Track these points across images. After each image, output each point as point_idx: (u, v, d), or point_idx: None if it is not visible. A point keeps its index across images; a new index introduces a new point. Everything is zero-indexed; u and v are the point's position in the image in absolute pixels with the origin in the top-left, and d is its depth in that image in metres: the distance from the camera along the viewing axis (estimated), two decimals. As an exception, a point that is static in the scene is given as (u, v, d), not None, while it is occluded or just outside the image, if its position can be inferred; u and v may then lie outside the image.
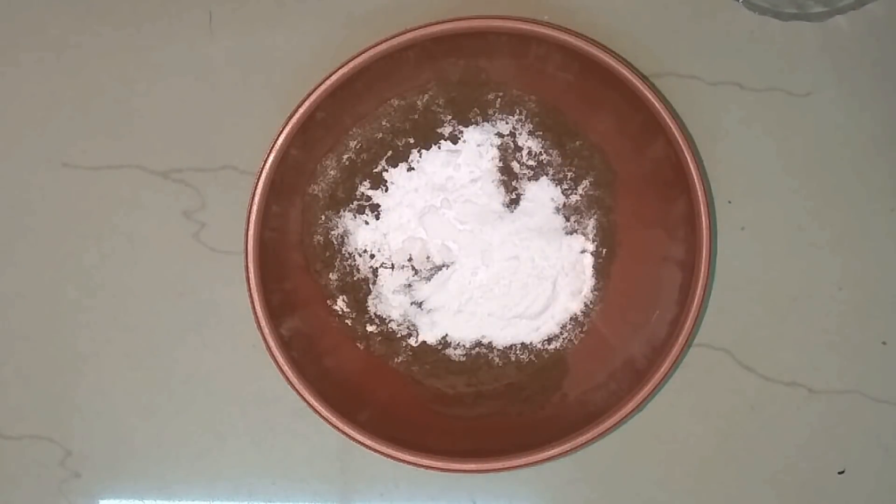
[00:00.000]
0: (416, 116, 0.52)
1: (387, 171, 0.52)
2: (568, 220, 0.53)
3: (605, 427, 0.48)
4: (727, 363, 0.53)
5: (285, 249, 0.52)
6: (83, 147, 0.54)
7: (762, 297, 0.53)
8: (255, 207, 0.49)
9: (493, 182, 0.52)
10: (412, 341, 0.53)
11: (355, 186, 0.53)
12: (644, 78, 0.48)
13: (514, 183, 0.52)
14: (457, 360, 0.53)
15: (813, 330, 0.53)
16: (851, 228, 0.53)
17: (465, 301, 0.52)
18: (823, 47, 0.52)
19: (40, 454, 0.54)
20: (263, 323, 0.49)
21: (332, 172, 0.53)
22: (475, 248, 0.52)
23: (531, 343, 0.53)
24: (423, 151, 0.52)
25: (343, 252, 0.53)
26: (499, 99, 0.52)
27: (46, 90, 0.54)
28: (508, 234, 0.52)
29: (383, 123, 0.53)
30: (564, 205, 0.53)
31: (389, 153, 0.53)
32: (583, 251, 0.53)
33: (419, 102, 0.52)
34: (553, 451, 0.48)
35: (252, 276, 0.49)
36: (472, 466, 0.48)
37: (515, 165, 0.52)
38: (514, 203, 0.52)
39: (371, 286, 0.53)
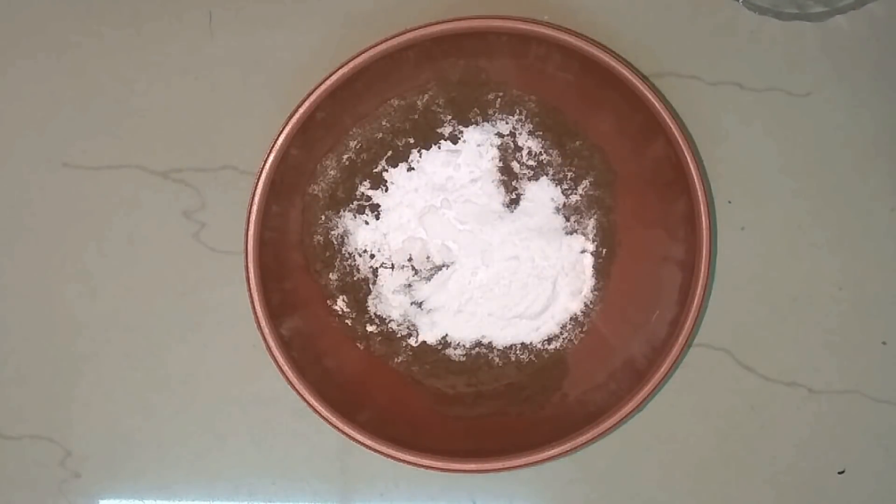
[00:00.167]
0: (416, 116, 0.52)
1: (387, 171, 0.52)
2: (568, 220, 0.53)
3: (605, 427, 0.48)
4: (727, 363, 0.53)
5: (285, 249, 0.52)
6: (83, 147, 0.54)
7: (762, 297, 0.53)
8: (255, 207, 0.49)
9: (493, 182, 0.52)
10: (412, 341, 0.53)
11: (355, 186, 0.53)
12: (644, 78, 0.48)
13: (514, 183, 0.52)
14: (457, 360, 0.53)
15: (813, 330, 0.53)
16: (851, 228, 0.53)
17: (465, 301, 0.52)
18: (823, 47, 0.52)
19: (40, 454, 0.54)
20: (263, 323, 0.49)
21: (332, 172, 0.53)
22: (475, 248, 0.52)
23: (531, 343, 0.53)
24: (423, 151, 0.52)
25: (343, 252, 0.53)
26: (499, 99, 0.52)
27: (46, 90, 0.54)
28: (508, 234, 0.52)
29: (383, 123, 0.53)
30: (564, 205, 0.53)
31: (389, 153, 0.53)
32: (583, 251, 0.53)
33: (419, 102, 0.52)
34: (553, 451, 0.48)
35: (252, 276, 0.49)
36: (472, 466, 0.48)
37: (515, 165, 0.52)
38: (514, 203, 0.52)
39: (371, 286, 0.53)
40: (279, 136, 0.48)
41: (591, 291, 0.53)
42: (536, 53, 0.50)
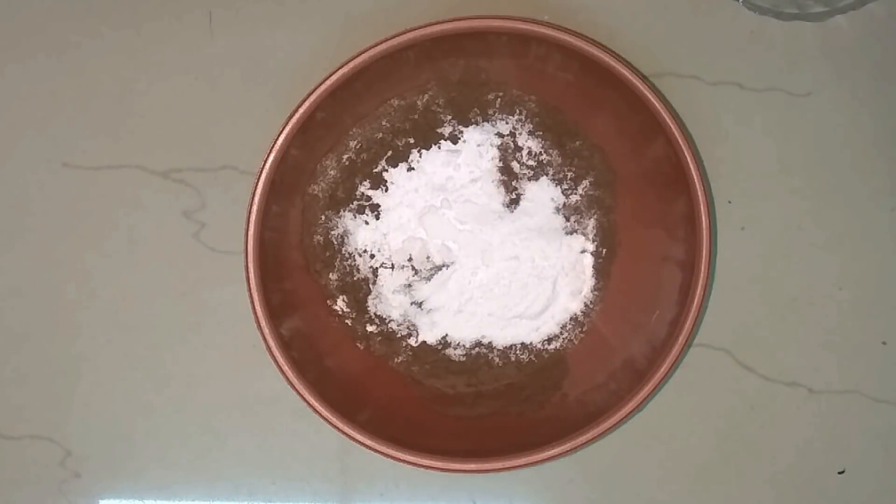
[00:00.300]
0: (416, 116, 0.52)
1: (387, 171, 0.52)
2: (568, 220, 0.53)
3: (605, 427, 0.48)
4: (727, 363, 0.53)
5: (285, 249, 0.52)
6: (83, 147, 0.54)
7: (762, 297, 0.53)
8: (255, 207, 0.49)
9: (493, 182, 0.52)
10: (412, 341, 0.53)
11: (355, 186, 0.53)
12: (644, 78, 0.48)
13: (514, 183, 0.52)
14: (457, 360, 0.53)
15: (813, 330, 0.53)
16: (851, 228, 0.53)
17: (465, 301, 0.52)
18: (823, 47, 0.52)
19: (40, 454, 0.54)
20: (263, 323, 0.49)
21: (332, 172, 0.53)
22: (475, 248, 0.52)
23: (531, 343, 0.53)
24: (423, 151, 0.52)
25: (343, 252, 0.53)
26: (499, 99, 0.52)
27: (46, 90, 0.54)
28: (508, 234, 0.52)
29: (383, 123, 0.53)
30: (564, 205, 0.53)
31: (389, 153, 0.53)
32: (583, 251, 0.53)
33: (419, 102, 0.52)
34: (553, 451, 0.48)
35: (252, 276, 0.49)
36: (472, 466, 0.48)
37: (515, 165, 0.52)
38: (514, 203, 0.52)
39: (371, 286, 0.53)
40: (279, 136, 0.48)
41: (591, 291, 0.53)
42: (536, 53, 0.50)
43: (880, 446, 0.53)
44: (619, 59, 0.48)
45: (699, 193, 0.47)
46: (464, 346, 0.53)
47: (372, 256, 0.53)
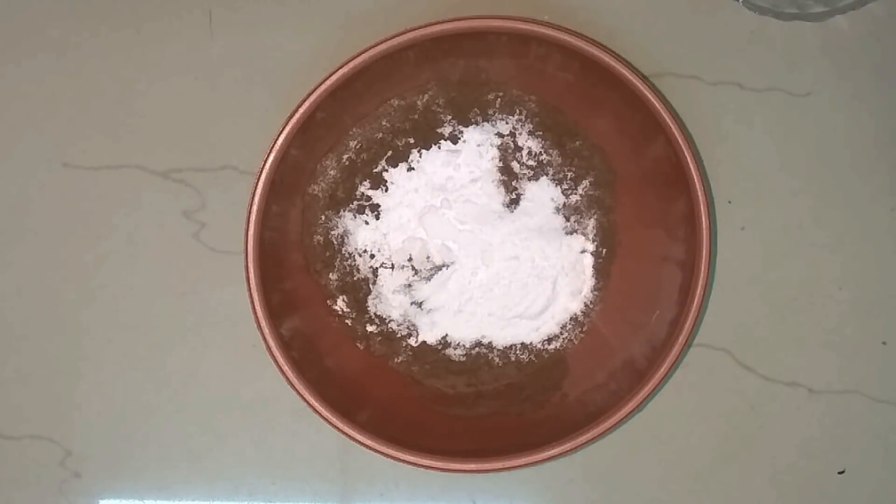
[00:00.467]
0: (416, 116, 0.52)
1: (387, 171, 0.52)
2: (568, 220, 0.53)
3: (605, 427, 0.48)
4: (727, 363, 0.53)
5: (285, 249, 0.52)
6: (83, 147, 0.54)
7: (762, 297, 0.53)
8: (255, 207, 0.49)
9: (493, 182, 0.52)
10: (412, 341, 0.53)
11: (355, 186, 0.53)
12: (644, 78, 0.48)
13: (514, 183, 0.52)
14: (457, 360, 0.53)
15: (813, 330, 0.53)
16: (851, 228, 0.53)
17: (465, 301, 0.52)
18: (823, 47, 0.52)
19: (40, 454, 0.54)
20: (263, 323, 0.49)
21: (332, 172, 0.53)
22: (475, 248, 0.52)
23: (531, 343, 0.53)
24: (423, 151, 0.52)
25: (343, 252, 0.53)
26: (499, 99, 0.52)
27: (46, 90, 0.54)
28: (508, 234, 0.52)
29: (383, 123, 0.53)
30: (564, 205, 0.53)
31: (389, 153, 0.53)
32: (583, 251, 0.53)
33: (419, 102, 0.52)
34: (553, 451, 0.48)
35: (252, 276, 0.49)
36: (472, 466, 0.48)
37: (515, 165, 0.52)
38: (514, 203, 0.52)
39: (371, 286, 0.53)
40: (279, 136, 0.48)
41: (591, 291, 0.53)
42: (536, 53, 0.50)
43: (880, 446, 0.53)
44: (619, 59, 0.48)
45: (699, 193, 0.47)
46: (464, 346, 0.53)
47: (372, 256, 0.53)
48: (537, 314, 0.53)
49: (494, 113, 0.52)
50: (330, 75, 0.48)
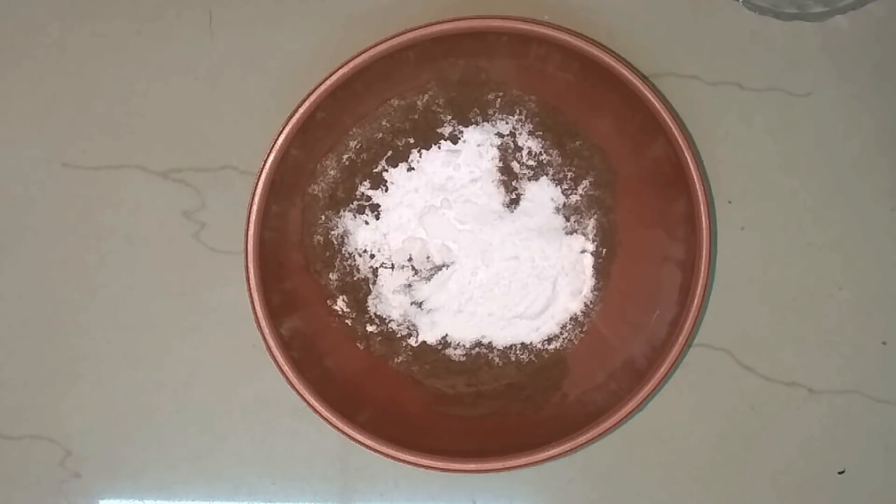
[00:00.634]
0: (416, 116, 0.52)
1: (387, 171, 0.52)
2: (568, 220, 0.53)
3: (605, 427, 0.48)
4: (727, 363, 0.53)
5: (285, 249, 0.52)
6: (83, 147, 0.54)
7: (762, 297, 0.53)
8: (255, 207, 0.49)
9: (493, 182, 0.52)
10: (412, 341, 0.53)
11: (355, 186, 0.53)
12: (644, 78, 0.48)
13: (514, 183, 0.52)
14: (457, 360, 0.53)
15: (813, 330, 0.53)
16: (851, 228, 0.53)
17: (465, 301, 0.52)
18: (823, 47, 0.52)
19: (40, 454, 0.54)
20: (263, 323, 0.49)
21: (332, 172, 0.53)
22: (475, 248, 0.52)
23: (531, 343, 0.53)
24: (423, 151, 0.52)
25: (343, 252, 0.53)
26: (499, 99, 0.52)
27: (46, 90, 0.54)
28: (508, 234, 0.52)
29: (383, 123, 0.53)
30: (564, 205, 0.53)
31: (389, 153, 0.53)
32: (583, 251, 0.53)
33: (419, 102, 0.52)
34: (553, 451, 0.48)
35: (252, 276, 0.49)
36: (472, 466, 0.48)
37: (515, 165, 0.52)
38: (514, 203, 0.52)
39: (371, 286, 0.53)
40: (279, 136, 0.48)
41: (591, 291, 0.53)
42: (536, 53, 0.50)
43: (880, 446, 0.53)
44: (619, 59, 0.48)
45: (699, 193, 0.47)
46: (464, 346, 0.53)
47: (372, 256, 0.53)
48: (537, 314, 0.53)
49: (494, 113, 0.52)
50: (330, 75, 0.48)
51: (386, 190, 0.52)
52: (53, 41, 0.54)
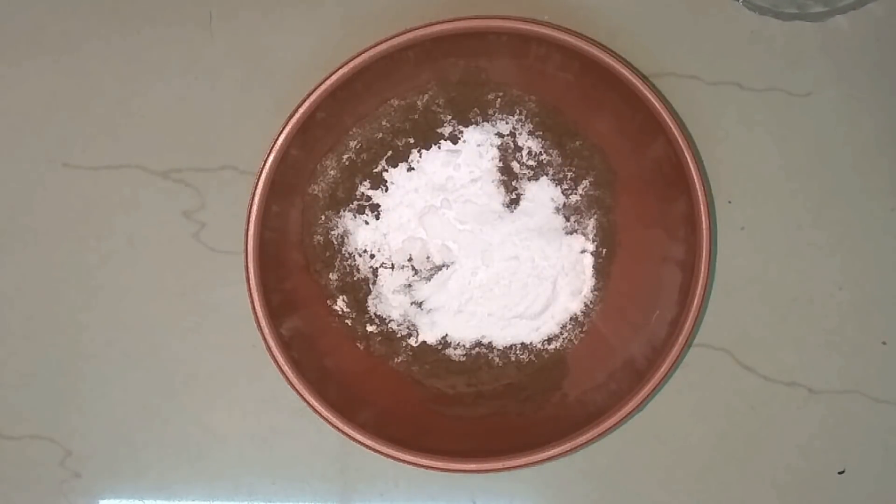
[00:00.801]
0: (416, 116, 0.52)
1: (387, 171, 0.52)
2: (568, 220, 0.53)
3: (605, 427, 0.48)
4: (727, 363, 0.53)
5: (285, 249, 0.52)
6: (83, 147, 0.54)
7: (762, 297, 0.53)
8: (255, 207, 0.49)
9: (493, 182, 0.52)
10: (412, 341, 0.53)
11: (355, 186, 0.53)
12: (644, 78, 0.48)
13: (514, 183, 0.52)
14: (457, 360, 0.53)
15: (813, 330, 0.53)
16: (851, 228, 0.53)
17: (465, 301, 0.52)
18: (823, 47, 0.52)
19: (40, 454, 0.54)
20: (263, 323, 0.49)
21: (332, 172, 0.53)
22: (475, 248, 0.52)
23: (531, 343, 0.53)
24: (423, 151, 0.52)
25: (343, 252, 0.53)
26: (499, 99, 0.52)
27: (46, 90, 0.54)
28: (508, 234, 0.52)
29: (383, 123, 0.53)
30: (564, 205, 0.53)
31: (389, 153, 0.53)
32: (583, 251, 0.53)
33: (419, 102, 0.52)
34: (553, 451, 0.48)
35: (252, 276, 0.49)
36: (472, 466, 0.48)
37: (515, 165, 0.52)
38: (514, 203, 0.52)
39: (371, 286, 0.53)
40: (279, 136, 0.48)
41: (591, 291, 0.53)
42: (536, 53, 0.50)
43: (880, 446, 0.53)
44: (619, 59, 0.48)
45: (699, 193, 0.47)
46: (464, 346, 0.53)
47: (372, 256, 0.53)
48: (537, 314, 0.53)
49: (494, 113, 0.52)
50: (330, 75, 0.48)
51: (386, 190, 0.52)
52: (53, 41, 0.54)
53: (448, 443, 0.50)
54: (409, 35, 0.48)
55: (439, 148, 0.52)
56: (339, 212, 0.53)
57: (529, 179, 0.52)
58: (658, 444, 0.53)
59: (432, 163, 0.52)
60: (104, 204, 0.54)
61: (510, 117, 0.52)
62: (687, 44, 0.53)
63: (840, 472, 0.53)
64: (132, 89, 0.54)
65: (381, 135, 0.53)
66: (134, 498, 0.54)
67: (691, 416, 0.53)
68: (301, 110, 0.48)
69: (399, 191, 0.52)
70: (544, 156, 0.52)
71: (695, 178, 0.47)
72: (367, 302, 0.53)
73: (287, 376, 0.49)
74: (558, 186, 0.52)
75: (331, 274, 0.53)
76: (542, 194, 0.52)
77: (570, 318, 0.53)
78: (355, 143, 0.53)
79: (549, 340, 0.53)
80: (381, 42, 0.48)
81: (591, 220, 0.53)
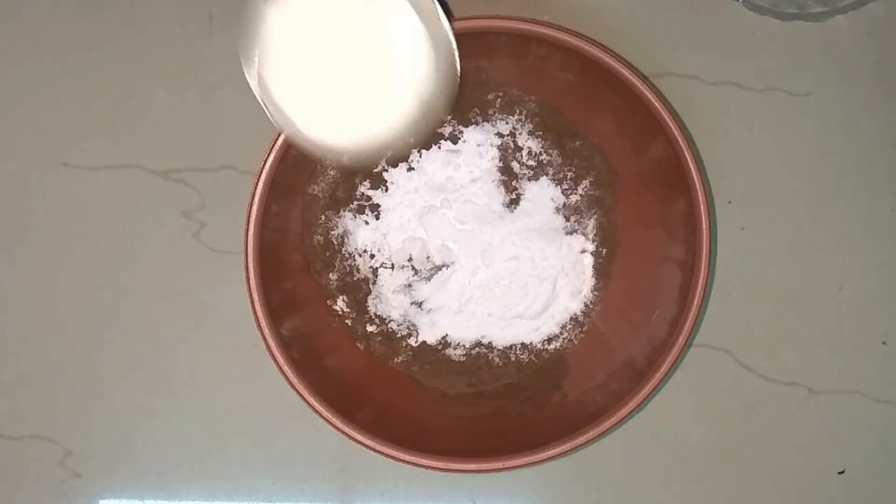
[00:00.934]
0: (416, 116, 0.52)
1: (387, 170, 0.52)
2: (568, 220, 0.53)
3: (605, 427, 0.48)
4: (727, 363, 0.53)
5: (285, 249, 0.52)
6: (83, 147, 0.54)
7: (762, 297, 0.53)
8: (255, 207, 0.49)
9: (493, 182, 0.52)
10: (412, 341, 0.53)
11: (355, 186, 0.53)
12: (644, 78, 0.48)
13: (514, 183, 0.52)
14: (457, 360, 0.53)
15: (813, 330, 0.53)
16: (851, 228, 0.53)
17: (465, 301, 0.52)
18: (823, 47, 0.52)
19: (40, 454, 0.54)
20: (263, 323, 0.49)
21: (332, 172, 0.53)
22: (475, 248, 0.52)
23: (531, 343, 0.53)
24: (423, 151, 0.52)
25: (343, 252, 0.53)
26: (499, 99, 0.52)
27: (46, 90, 0.54)
28: (508, 234, 0.52)
29: (383, 123, 0.53)
30: (564, 205, 0.53)
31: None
32: (583, 251, 0.53)
33: (419, 102, 0.52)
34: (553, 451, 0.48)
35: (252, 276, 0.49)
36: (472, 466, 0.48)
37: (515, 165, 0.52)
38: (514, 203, 0.52)
39: (371, 286, 0.53)
40: (279, 136, 0.48)
41: (591, 291, 0.53)
42: (536, 54, 0.50)
43: (880, 446, 0.53)
44: (619, 59, 0.48)
45: (699, 193, 0.47)
46: (464, 346, 0.53)
47: (372, 256, 0.53)
48: (537, 314, 0.53)
49: (494, 113, 0.52)
50: (330, 75, 0.48)
51: (386, 190, 0.52)
52: (53, 41, 0.54)
53: (448, 443, 0.50)
54: (409, 35, 0.48)
55: (439, 148, 0.52)
56: (339, 212, 0.53)
57: (529, 179, 0.52)
58: (658, 444, 0.53)
59: (432, 163, 0.52)
60: (104, 204, 0.54)
61: (510, 117, 0.52)
62: (687, 44, 0.53)
63: (840, 472, 0.53)
64: (132, 89, 0.54)
65: (381, 135, 0.53)
66: (134, 498, 0.54)
67: (691, 416, 0.53)
68: (301, 110, 0.48)
69: (399, 191, 0.52)
70: (544, 156, 0.52)
71: (695, 178, 0.47)
72: (367, 302, 0.53)
73: (287, 376, 0.49)
74: (558, 186, 0.52)
75: (331, 274, 0.53)
76: (542, 194, 0.52)
77: (570, 318, 0.53)
78: (355, 143, 0.53)
79: (549, 340, 0.53)
80: (381, 42, 0.48)
81: (591, 220, 0.53)
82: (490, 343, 0.53)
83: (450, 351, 0.53)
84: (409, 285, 0.53)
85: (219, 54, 0.53)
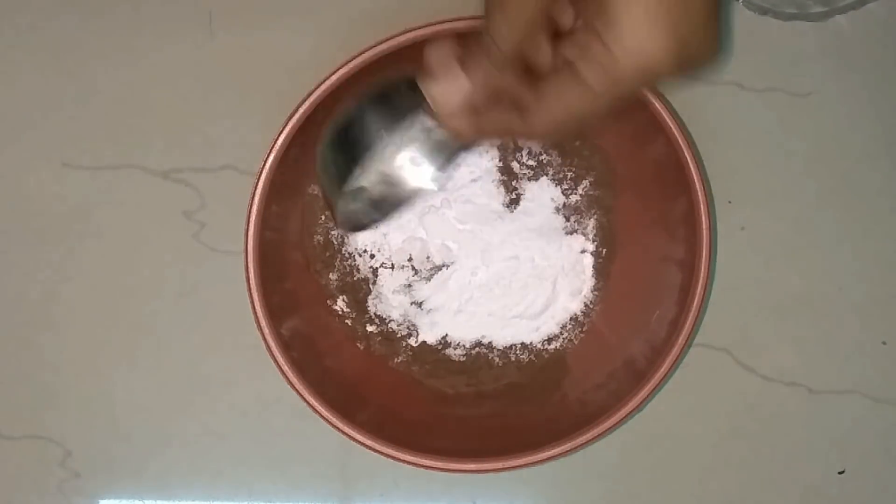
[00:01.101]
0: (416, 116, 0.52)
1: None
2: (568, 220, 0.53)
3: (605, 427, 0.48)
4: (727, 363, 0.53)
5: (285, 249, 0.52)
6: (83, 147, 0.54)
7: (762, 297, 0.53)
8: (255, 207, 0.48)
9: (493, 182, 0.52)
10: (412, 341, 0.53)
11: (355, 186, 0.53)
12: (644, 78, 0.48)
13: (514, 183, 0.52)
14: (457, 360, 0.53)
15: (813, 330, 0.53)
16: (851, 229, 0.53)
17: (465, 301, 0.52)
18: (823, 47, 0.52)
19: (40, 454, 0.54)
20: (263, 323, 0.49)
21: (332, 172, 0.53)
22: (475, 248, 0.52)
23: (531, 343, 0.53)
24: (423, 151, 0.52)
25: (343, 252, 0.53)
26: (499, 99, 0.52)
27: (46, 90, 0.54)
28: (508, 234, 0.52)
29: (383, 123, 0.52)
30: (564, 205, 0.53)
31: (389, 153, 0.52)
32: (583, 251, 0.53)
33: (419, 102, 0.52)
34: (553, 451, 0.48)
35: (252, 276, 0.48)
36: (472, 466, 0.48)
37: (515, 165, 0.52)
38: (514, 203, 0.52)
39: (371, 286, 0.53)
40: (279, 136, 0.48)
41: (591, 291, 0.53)
42: (536, 53, 0.50)
43: (880, 446, 0.53)
44: (619, 59, 0.48)
45: (699, 193, 0.47)
46: (464, 346, 0.53)
47: (372, 256, 0.53)
48: (537, 314, 0.53)
49: (494, 113, 0.52)
50: (330, 75, 0.48)
51: (386, 190, 0.52)
52: (53, 41, 0.54)
53: (448, 443, 0.50)
54: (410, 35, 0.48)
55: (439, 148, 0.52)
56: (339, 212, 0.53)
57: (529, 179, 0.52)
58: (658, 444, 0.53)
59: (432, 163, 0.52)
60: (104, 204, 0.54)
61: (510, 117, 0.52)
62: (687, 44, 0.53)
63: (840, 472, 0.53)
64: (132, 89, 0.54)
65: (381, 135, 0.52)
66: (134, 498, 0.54)
67: (691, 416, 0.53)
68: (301, 110, 0.48)
69: (399, 191, 0.52)
70: (544, 156, 0.52)
71: (695, 178, 0.47)
72: (367, 302, 0.53)
73: (287, 376, 0.49)
74: (558, 186, 0.52)
75: (331, 274, 0.53)
76: (542, 194, 0.52)
77: (570, 318, 0.53)
78: (355, 143, 0.52)
79: (549, 340, 0.53)
80: (381, 42, 0.48)
81: (591, 220, 0.53)
82: (490, 343, 0.53)
83: (450, 351, 0.53)
84: (409, 285, 0.53)
85: (219, 54, 0.53)
